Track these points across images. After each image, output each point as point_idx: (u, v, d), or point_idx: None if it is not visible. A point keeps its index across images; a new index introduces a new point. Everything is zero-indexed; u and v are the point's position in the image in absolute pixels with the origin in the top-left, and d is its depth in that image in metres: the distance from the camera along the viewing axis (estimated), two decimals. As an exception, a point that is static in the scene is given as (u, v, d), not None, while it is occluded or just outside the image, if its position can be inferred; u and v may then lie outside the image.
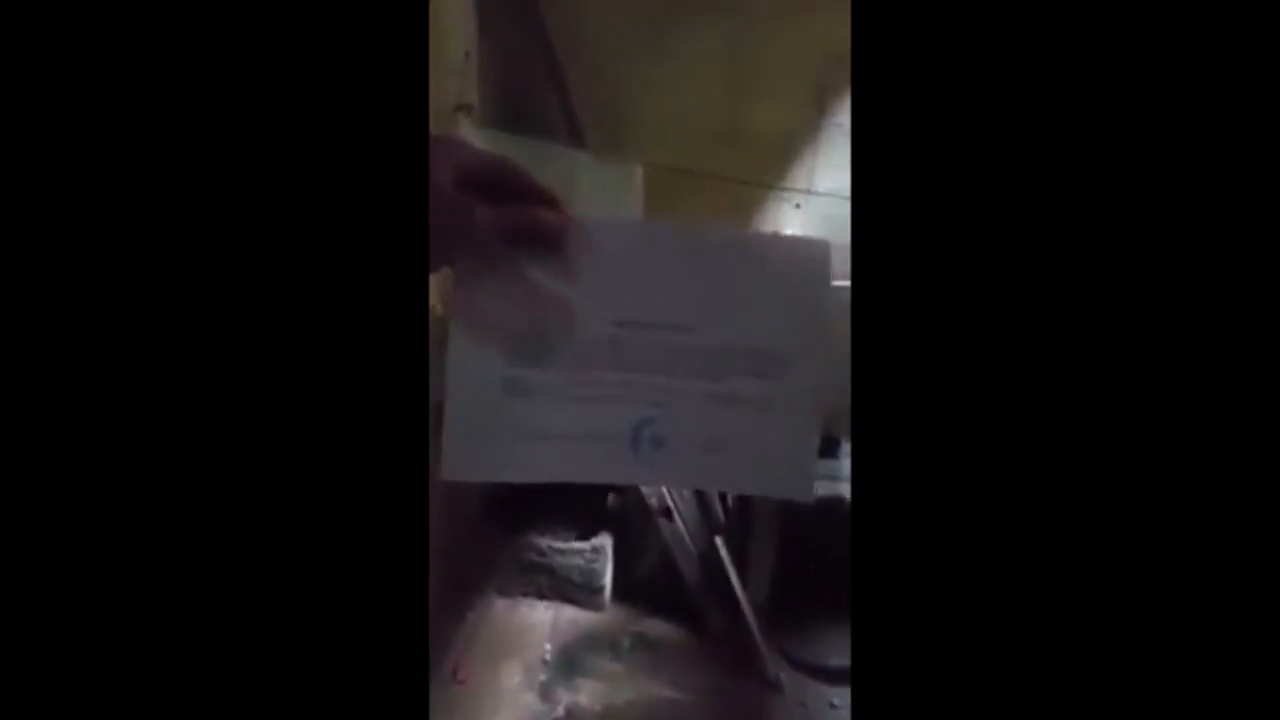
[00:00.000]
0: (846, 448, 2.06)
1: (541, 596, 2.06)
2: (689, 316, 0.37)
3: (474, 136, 1.39)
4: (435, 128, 0.35)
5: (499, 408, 0.36)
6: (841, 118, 2.00)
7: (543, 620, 2.00)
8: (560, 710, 1.69)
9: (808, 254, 0.40)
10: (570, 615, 2.02)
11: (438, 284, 0.41)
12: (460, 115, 1.38)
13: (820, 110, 2.04)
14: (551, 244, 0.34)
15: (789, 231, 2.08)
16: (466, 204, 0.31)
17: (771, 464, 0.39)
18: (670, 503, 1.92)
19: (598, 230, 0.36)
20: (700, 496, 2.00)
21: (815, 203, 2.10)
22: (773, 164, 2.11)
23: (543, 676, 1.79)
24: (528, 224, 0.33)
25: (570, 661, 1.85)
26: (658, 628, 2.00)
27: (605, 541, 2.06)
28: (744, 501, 2.04)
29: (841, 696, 1.77)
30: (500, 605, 2.03)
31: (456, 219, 0.31)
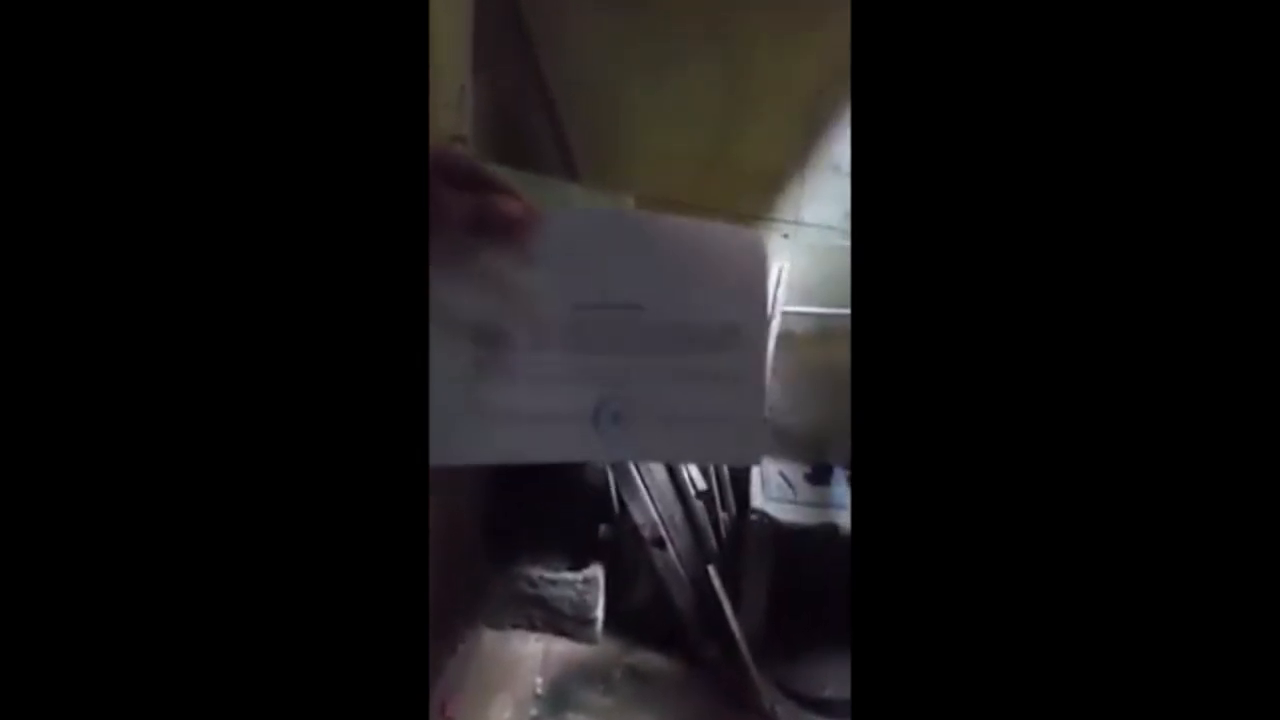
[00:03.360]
0: (839, 475, 2.07)
1: (533, 628, 2.03)
2: (641, 296, 0.39)
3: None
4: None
5: (469, 394, 0.38)
6: (829, 151, 2.05)
7: (534, 653, 1.97)
8: (552, 746, 1.67)
9: (747, 241, 0.42)
10: (561, 647, 2.00)
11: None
12: (454, 147, 1.40)
13: (808, 144, 2.08)
14: (510, 230, 0.36)
15: (778, 262, 2.11)
16: (433, 188, 0.33)
17: (725, 434, 0.41)
18: (663, 532, 1.91)
19: (553, 218, 0.38)
20: (693, 526, 2.00)
21: (803, 233, 2.14)
22: (761, 196, 2.15)
23: (533, 711, 1.77)
24: (487, 210, 0.36)
25: (562, 695, 1.82)
26: (650, 660, 1.98)
27: (597, 572, 2.04)
28: (737, 530, 2.03)
29: (836, 728, 1.75)
30: (490, 638, 2.00)
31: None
